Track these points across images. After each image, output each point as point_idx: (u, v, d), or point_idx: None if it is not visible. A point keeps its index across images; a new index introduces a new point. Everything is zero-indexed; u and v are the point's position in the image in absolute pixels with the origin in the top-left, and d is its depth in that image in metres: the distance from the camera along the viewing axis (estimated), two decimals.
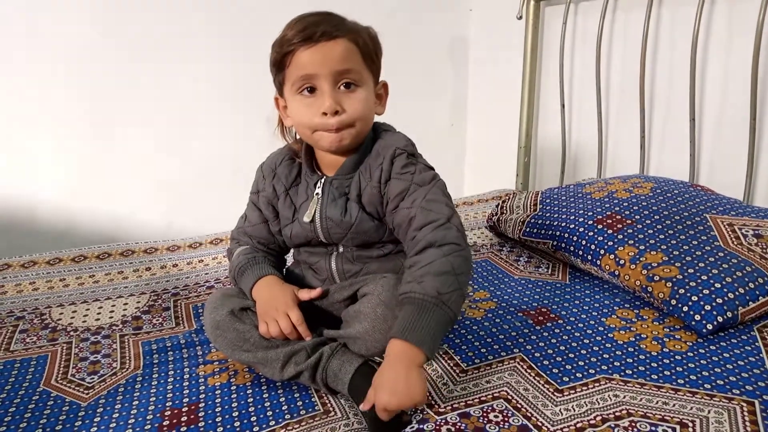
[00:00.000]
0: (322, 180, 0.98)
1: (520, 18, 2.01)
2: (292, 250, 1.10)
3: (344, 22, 0.92)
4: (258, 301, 0.96)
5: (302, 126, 0.95)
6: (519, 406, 0.85)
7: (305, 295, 0.96)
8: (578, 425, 0.80)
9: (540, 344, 1.02)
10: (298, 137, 1.03)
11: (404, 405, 0.77)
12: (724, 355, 0.96)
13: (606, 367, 0.94)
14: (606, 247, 1.22)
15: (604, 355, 0.97)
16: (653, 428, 0.78)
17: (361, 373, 0.85)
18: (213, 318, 0.95)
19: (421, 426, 0.80)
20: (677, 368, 0.93)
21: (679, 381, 0.89)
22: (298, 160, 1.02)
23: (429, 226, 0.87)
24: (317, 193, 0.97)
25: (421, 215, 0.89)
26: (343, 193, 0.97)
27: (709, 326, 1.01)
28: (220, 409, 0.87)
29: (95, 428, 0.84)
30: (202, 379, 0.95)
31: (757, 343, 0.99)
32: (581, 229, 1.29)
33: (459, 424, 0.81)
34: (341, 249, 1.00)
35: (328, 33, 0.88)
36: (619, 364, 0.95)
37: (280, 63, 0.92)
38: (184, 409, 0.87)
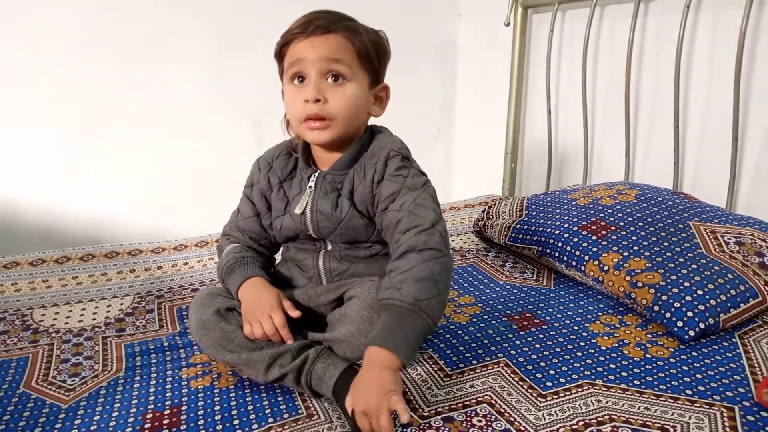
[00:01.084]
0: (316, 174, 0.99)
1: (508, 25, 2.03)
2: (281, 249, 1.10)
3: (345, 20, 0.94)
4: (243, 301, 0.96)
5: (291, 116, 0.97)
6: (502, 410, 0.85)
7: (288, 308, 0.95)
8: (560, 430, 0.80)
9: (524, 349, 1.02)
10: None
11: (379, 408, 0.76)
12: (706, 361, 0.97)
13: (589, 373, 0.94)
14: (590, 253, 1.23)
15: (587, 361, 0.98)
16: None
17: (346, 377, 0.85)
18: (199, 317, 0.94)
19: (404, 429, 0.80)
20: (659, 374, 0.93)
21: (661, 387, 0.90)
22: (295, 155, 1.03)
23: (412, 230, 0.88)
24: (310, 186, 0.98)
25: (407, 219, 0.89)
26: (335, 188, 0.97)
27: (691, 333, 1.01)
28: (202, 412, 0.86)
29: (75, 431, 0.83)
30: (185, 382, 0.94)
31: (738, 350, 1.00)
32: (566, 235, 1.30)
33: (442, 428, 0.81)
34: (329, 246, 1.00)
35: (323, 26, 0.91)
36: (602, 369, 0.95)
37: (279, 53, 0.96)
38: (166, 412, 0.86)
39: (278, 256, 1.12)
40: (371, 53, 0.95)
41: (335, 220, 0.96)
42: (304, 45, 0.91)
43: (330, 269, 1.00)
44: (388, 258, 0.97)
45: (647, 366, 0.96)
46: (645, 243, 1.19)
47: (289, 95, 0.95)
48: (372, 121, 1.04)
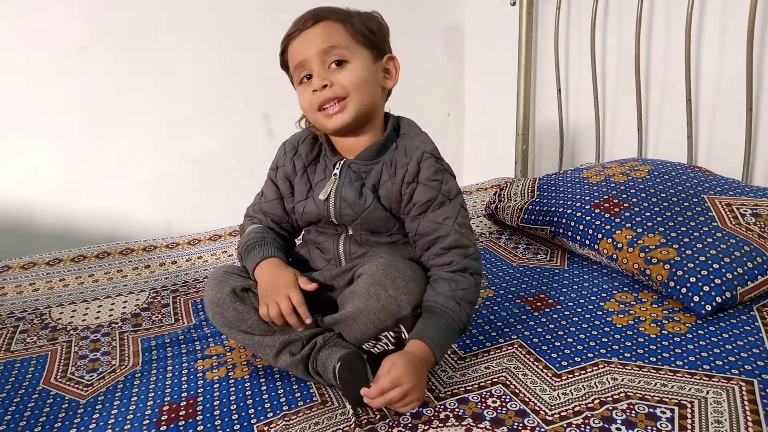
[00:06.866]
0: (342, 162, 0.99)
1: (514, 4, 2.00)
2: (302, 233, 1.10)
3: (336, 10, 0.94)
4: (260, 281, 0.96)
5: (306, 112, 0.98)
6: (517, 391, 0.85)
7: (303, 283, 0.95)
8: (576, 409, 0.80)
9: (538, 330, 1.01)
10: None
11: (412, 399, 0.80)
12: (723, 335, 0.96)
13: (604, 351, 0.93)
14: (603, 231, 1.21)
15: (603, 339, 0.97)
16: (651, 410, 0.78)
17: (346, 357, 0.84)
18: (214, 295, 0.95)
19: (420, 410, 0.81)
20: (676, 350, 0.92)
21: (677, 363, 0.89)
22: (321, 141, 1.03)
23: (461, 251, 0.92)
24: (335, 174, 0.98)
25: (453, 236, 0.92)
26: (360, 177, 0.97)
27: (708, 307, 1.00)
28: (218, 402, 0.87)
29: (94, 425, 0.84)
30: (201, 374, 0.95)
31: (756, 323, 0.99)
32: (578, 214, 1.29)
33: (457, 409, 0.81)
34: (350, 231, 1.00)
35: (313, 18, 0.92)
36: (617, 347, 0.94)
37: (282, 60, 0.98)
38: (182, 404, 0.87)
39: (298, 240, 1.12)
40: (365, 30, 0.95)
41: (358, 209, 0.96)
42: (299, 42, 0.93)
43: (350, 252, 1.00)
44: (408, 246, 0.99)
45: (664, 342, 0.95)
46: (659, 218, 1.17)
47: (300, 95, 0.96)
48: (395, 110, 1.03)
